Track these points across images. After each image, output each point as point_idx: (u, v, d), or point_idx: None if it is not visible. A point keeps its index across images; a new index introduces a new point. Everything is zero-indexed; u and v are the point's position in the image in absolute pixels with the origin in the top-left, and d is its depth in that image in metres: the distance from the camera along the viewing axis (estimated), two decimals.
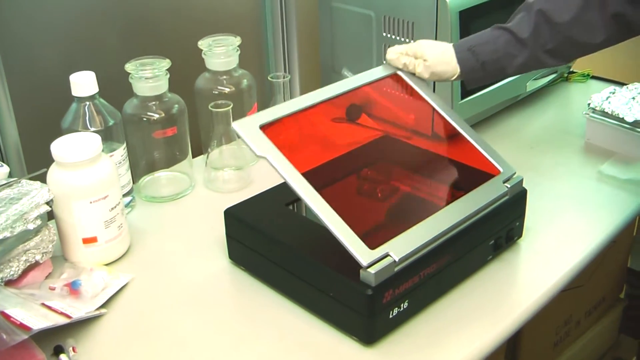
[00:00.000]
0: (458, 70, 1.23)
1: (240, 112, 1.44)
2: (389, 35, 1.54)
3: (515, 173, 1.18)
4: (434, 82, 1.47)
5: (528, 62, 1.22)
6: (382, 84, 1.26)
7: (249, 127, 1.04)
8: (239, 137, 1.05)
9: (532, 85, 1.68)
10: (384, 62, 1.29)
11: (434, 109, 1.25)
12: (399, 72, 1.27)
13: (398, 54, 1.27)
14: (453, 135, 1.24)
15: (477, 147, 1.20)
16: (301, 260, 1.04)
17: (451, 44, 1.24)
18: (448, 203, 1.10)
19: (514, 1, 1.53)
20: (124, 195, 1.30)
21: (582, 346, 1.75)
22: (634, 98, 1.50)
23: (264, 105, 1.55)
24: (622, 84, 1.63)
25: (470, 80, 1.26)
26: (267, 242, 1.10)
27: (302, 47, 1.73)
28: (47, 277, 1.14)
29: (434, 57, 1.25)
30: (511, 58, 1.22)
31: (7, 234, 1.04)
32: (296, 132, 1.17)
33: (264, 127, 1.06)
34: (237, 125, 1.04)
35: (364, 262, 0.95)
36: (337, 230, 0.97)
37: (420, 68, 1.25)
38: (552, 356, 1.67)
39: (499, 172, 1.17)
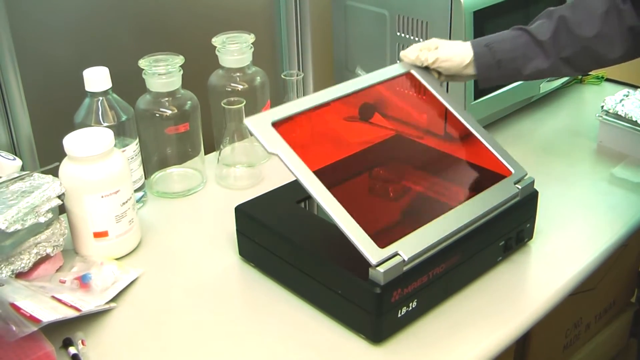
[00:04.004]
0: (472, 66, 1.22)
1: (253, 110, 1.44)
2: (402, 35, 1.54)
3: (526, 174, 1.17)
4: (447, 84, 1.46)
5: (544, 67, 1.21)
6: (394, 83, 1.25)
7: (261, 123, 1.03)
8: (251, 134, 1.04)
9: (546, 87, 1.67)
10: (398, 60, 1.28)
11: (446, 108, 1.24)
12: (412, 71, 1.25)
13: (413, 50, 1.26)
14: (465, 136, 1.23)
15: (489, 148, 1.19)
16: (311, 258, 1.05)
17: (469, 41, 1.24)
18: (459, 203, 1.10)
19: (529, 2, 1.53)
20: (136, 191, 1.30)
21: (592, 350, 1.74)
22: None
23: (277, 102, 1.55)
24: (636, 87, 1.62)
25: (484, 79, 1.24)
26: (277, 239, 1.10)
27: (316, 45, 1.73)
28: (57, 270, 1.15)
29: (448, 48, 1.24)
30: (528, 60, 1.21)
31: (18, 226, 1.05)
32: (309, 129, 1.16)
33: (276, 124, 1.04)
34: (249, 122, 1.03)
35: (373, 260, 0.95)
36: (346, 228, 0.97)
37: (432, 58, 1.23)
38: (562, 359, 1.66)
39: (510, 173, 1.17)
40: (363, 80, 1.22)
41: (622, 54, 1.20)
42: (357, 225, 0.97)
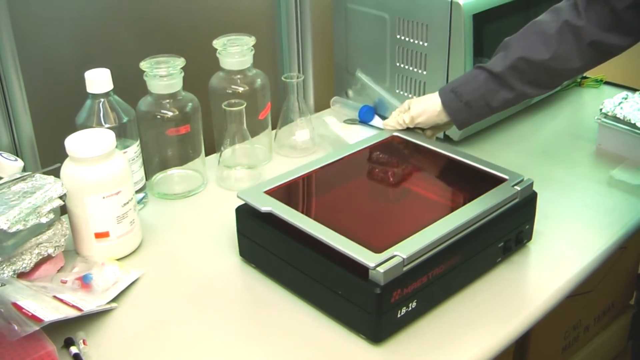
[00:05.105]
0: (445, 113, 1.28)
1: (253, 111, 1.45)
2: (403, 38, 1.55)
3: (524, 178, 1.18)
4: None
5: (510, 96, 1.25)
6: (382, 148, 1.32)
7: (254, 192, 1.15)
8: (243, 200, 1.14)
9: None
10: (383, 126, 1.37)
11: (437, 154, 1.28)
12: (396, 133, 1.33)
13: (392, 117, 1.35)
14: (459, 168, 1.26)
15: (486, 170, 1.22)
16: (311, 259, 1.05)
17: (437, 91, 1.29)
18: (458, 205, 1.11)
19: (528, 5, 1.54)
20: (137, 192, 1.30)
21: (591, 352, 1.74)
22: None
23: (277, 105, 1.56)
24: (634, 90, 1.63)
25: (460, 122, 1.30)
26: (278, 240, 1.10)
27: (317, 48, 1.73)
28: (59, 271, 1.15)
29: (419, 104, 1.31)
30: (493, 94, 1.25)
31: (20, 227, 1.05)
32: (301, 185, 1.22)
33: (268, 192, 1.15)
34: (242, 194, 1.14)
35: (370, 264, 0.96)
36: (337, 244, 1.00)
37: (408, 118, 1.31)
38: None
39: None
40: (350, 147, 1.31)
41: (584, 65, 1.23)
42: (346, 239, 1.01)
